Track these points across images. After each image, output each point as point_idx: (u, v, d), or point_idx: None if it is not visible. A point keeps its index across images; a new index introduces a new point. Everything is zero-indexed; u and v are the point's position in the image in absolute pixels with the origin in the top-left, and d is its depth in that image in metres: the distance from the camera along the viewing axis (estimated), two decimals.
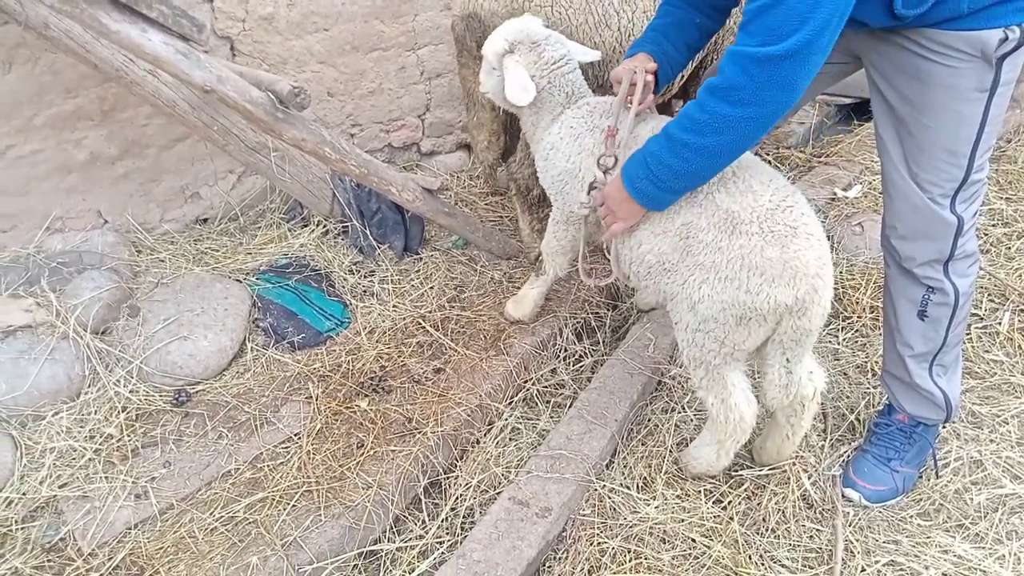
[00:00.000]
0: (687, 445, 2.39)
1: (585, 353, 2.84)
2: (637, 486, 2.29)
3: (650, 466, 2.36)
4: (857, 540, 2.11)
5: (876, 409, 2.51)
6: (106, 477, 2.17)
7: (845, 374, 2.71)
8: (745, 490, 2.28)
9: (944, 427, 2.43)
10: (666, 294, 2.02)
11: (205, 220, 3.33)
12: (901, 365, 2.20)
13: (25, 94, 2.74)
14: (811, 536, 2.16)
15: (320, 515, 2.09)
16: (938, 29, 1.73)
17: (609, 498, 2.24)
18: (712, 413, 2.10)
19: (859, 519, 2.20)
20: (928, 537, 2.13)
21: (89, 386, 2.41)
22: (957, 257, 1.99)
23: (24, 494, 2.12)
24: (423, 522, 2.23)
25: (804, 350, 1.97)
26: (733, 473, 2.33)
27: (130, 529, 2.06)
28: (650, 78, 2.11)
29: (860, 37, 1.92)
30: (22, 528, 2.06)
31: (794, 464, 2.32)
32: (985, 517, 2.17)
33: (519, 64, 2.20)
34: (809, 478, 2.29)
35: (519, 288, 2.99)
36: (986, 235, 3.34)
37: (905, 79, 1.84)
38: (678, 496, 2.26)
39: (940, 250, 1.98)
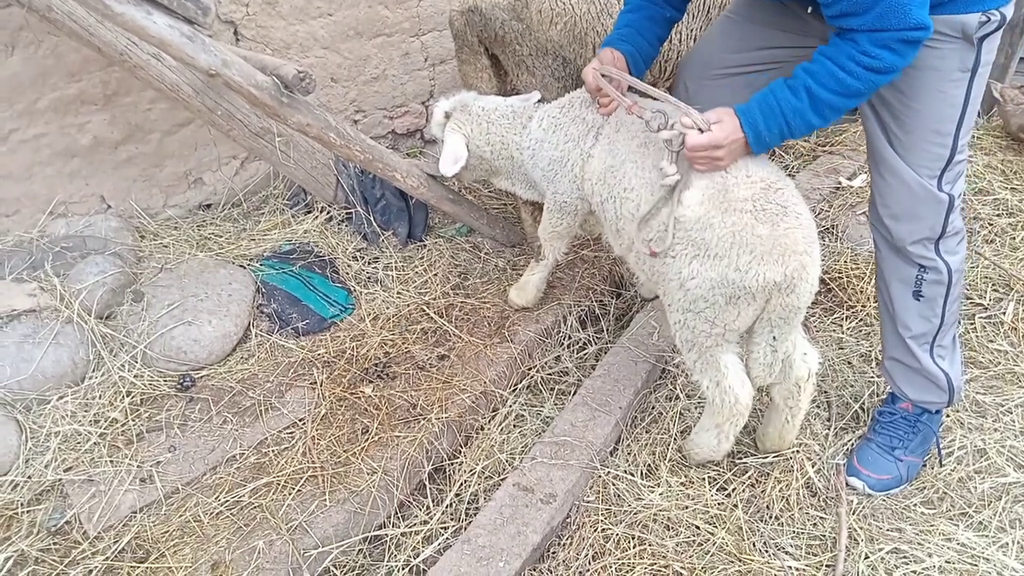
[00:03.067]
0: (691, 433, 2.40)
1: (589, 341, 2.84)
2: (641, 473, 2.30)
3: (654, 453, 2.36)
4: (861, 528, 2.12)
5: (880, 398, 2.52)
6: (111, 461, 2.18)
7: (849, 363, 2.71)
8: (749, 478, 2.28)
9: (947, 415, 2.44)
10: (658, 274, 2.03)
11: (208, 206, 3.33)
12: (902, 348, 2.21)
13: (28, 78, 2.72)
14: (815, 524, 2.16)
15: (325, 500, 2.10)
16: None
17: (613, 485, 2.24)
18: (708, 397, 2.11)
19: (863, 507, 2.20)
20: (932, 525, 2.13)
21: (93, 371, 2.41)
22: (948, 234, 2.03)
23: (30, 477, 2.13)
24: (427, 508, 2.23)
25: (791, 328, 1.98)
26: (737, 461, 2.33)
27: (135, 513, 2.06)
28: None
29: None
30: (28, 511, 2.06)
31: (798, 452, 2.32)
32: (988, 506, 2.17)
33: (456, 131, 2.52)
34: (813, 466, 2.30)
35: (523, 273, 3.00)
36: (991, 225, 3.33)
37: None
38: (682, 483, 2.26)
39: (932, 228, 2.01)
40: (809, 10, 2.00)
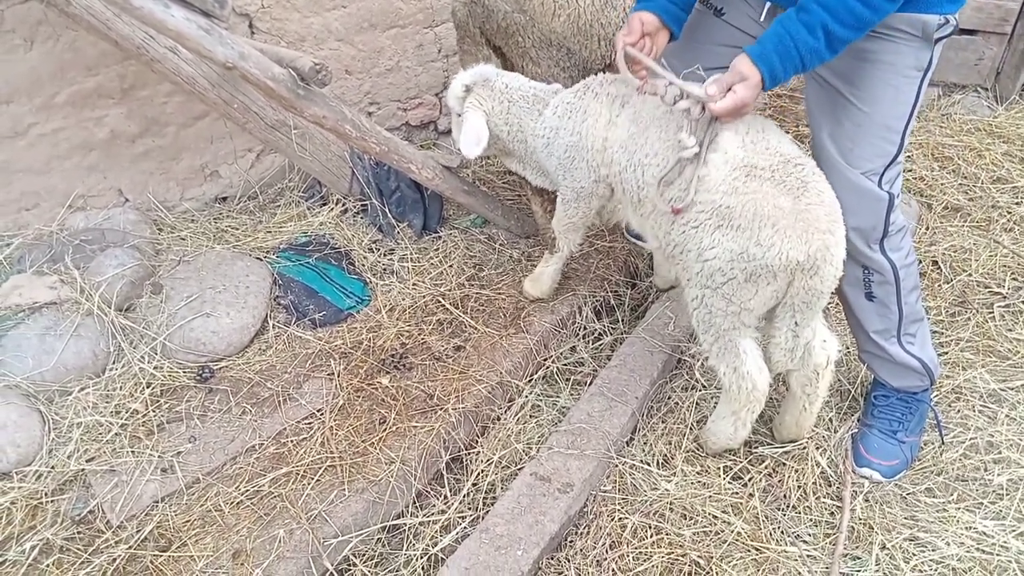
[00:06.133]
0: (707, 422, 2.40)
1: (604, 331, 2.84)
2: (658, 463, 2.30)
3: (670, 443, 2.36)
4: (875, 517, 2.12)
5: (870, 382, 2.50)
6: (132, 452, 2.20)
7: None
8: (765, 467, 2.28)
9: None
10: (678, 246, 2.00)
11: (224, 199, 3.34)
12: (871, 343, 2.25)
13: (46, 72, 2.74)
14: (832, 512, 2.17)
15: (344, 489, 2.12)
16: None
17: (630, 474, 2.25)
18: (724, 383, 2.10)
19: (873, 495, 2.21)
20: (946, 513, 2.13)
21: (114, 362, 2.44)
22: (890, 233, 2.04)
23: (53, 468, 2.16)
24: (445, 497, 2.25)
25: (814, 313, 1.97)
26: (752, 450, 2.33)
27: (157, 502, 2.09)
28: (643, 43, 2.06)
29: None
30: (52, 501, 2.09)
31: (811, 439, 2.33)
32: (1006, 495, 2.17)
33: (477, 108, 2.41)
34: (824, 454, 2.30)
35: (538, 264, 3.00)
36: (1009, 213, 3.30)
37: (849, 60, 1.89)
38: (698, 473, 2.27)
39: (874, 227, 2.03)
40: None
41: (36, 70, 2.72)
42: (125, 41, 2.56)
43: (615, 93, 2.21)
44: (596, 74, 2.37)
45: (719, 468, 2.28)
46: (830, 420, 2.43)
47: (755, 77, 1.74)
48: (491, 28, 2.60)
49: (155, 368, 2.43)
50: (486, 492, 2.25)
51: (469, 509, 2.21)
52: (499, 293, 2.88)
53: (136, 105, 2.98)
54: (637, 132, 2.08)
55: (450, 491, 2.26)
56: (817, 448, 2.31)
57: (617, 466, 2.27)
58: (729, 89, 1.76)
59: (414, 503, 2.22)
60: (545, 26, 2.53)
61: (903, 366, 2.23)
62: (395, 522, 2.16)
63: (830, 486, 2.24)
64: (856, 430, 2.38)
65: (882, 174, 1.98)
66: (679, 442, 2.36)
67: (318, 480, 2.14)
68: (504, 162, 2.74)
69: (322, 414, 2.35)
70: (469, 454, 2.38)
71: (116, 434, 2.24)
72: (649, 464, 2.29)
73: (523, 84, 2.45)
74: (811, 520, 2.14)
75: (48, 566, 1.92)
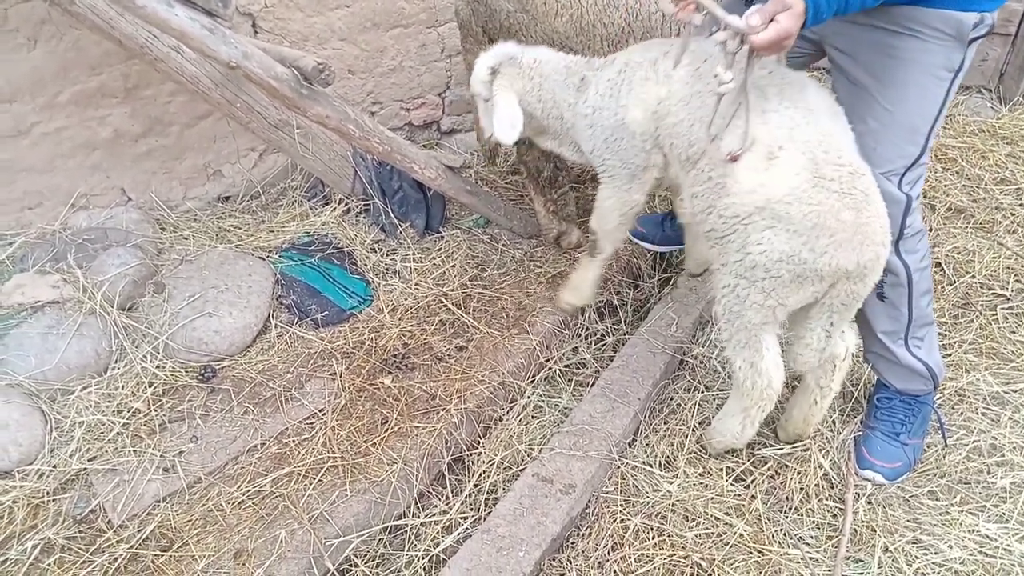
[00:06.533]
0: (709, 424, 2.40)
1: (607, 332, 2.84)
2: (660, 464, 2.30)
3: (673, 444, 2.36)
4: (878, 520, 2.11)
5: (873, 384, 2.50)
6: (134, 451, 2.20)
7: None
8: (768, 469, 2.28)
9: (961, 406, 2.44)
10: (718, 232, 1.89)
11: (227, 198, 3.34)
12: (878, 344, 2.24)
13: (50, 71, 2.75)
14: (834, 515, 2.16)
15: (346, 490, 2.11)
16: (919, 7, 1.77)
17: (632, 476, 2.25)
18: (739, 378, 2.06)
19: (876, 497, 2.20)
20: (948, 516, 2.12)
21: (116, 361, 2.44)
22: (906, 235, 2.02)
23: (55, 467, 2.16)
24: (447, 498, 2.25)
25: (850, 315, 1.94)
26: (755, 452, 2.33)
27: (159, 502, 2.09)
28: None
29: (831, 22, 1.82)
30: (54, 500, 2.09)
31: (813, 440, 2.32)
32: (1009, 498, 2.16)
33: (507, 89, 2.27)
34: (826, 456, 2.29)
35: (542, 267, 3.00)
36: (1013, 215, 3.29)
37: (874, 56, 1.86)
38: (700, 474, 2.26)
39: (891, 229, 1.98)
40: None
41: (39, 69, 2.73)
42: (129, 40, 2.56)
43: (655, 55, 2.07)
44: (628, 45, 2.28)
45: (721, 470, 2.27)
46: (833, 422, 2.42)
47: (799, 6, 1.62)
48: (494, 27, 2.60)
49: (157, 367, 2.43)
50: (488, 493, 2.25)
51: (471, 510, 2.21)
52: (501, 293, 2.88)
53: (139, 104, 2.99)
54: (701, 90, 1.92)
55: (452, 492, 2.26)
56: (820, 450, 2.30)
57: (619, 467, 2.27)
58: (771, 20, 1.61)
59: (416, 503, 2.21)
60: (547, 26, 2.53)
61: (908, 369, 2.22)
62: (397, 523, 2.16)
63: (832, 488, 2.24)
64: (859, 432, 2.37)
65: (903, 175, 1.95)
66: (681, 443, 2.36)
67: (320, 480, 2.14)
68: (538, 142, 2.59)
69: (324, 414, 2.35)
70: (471, 455, 2.38)
71: (118, 433, 2.24)
72: (651, 465, 2.28)
73: (552, 57, 2.33)
74: (813, 522, 2.13)
75: (49, 565, 1.92)
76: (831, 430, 2.40)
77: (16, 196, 2.84)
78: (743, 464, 2.29)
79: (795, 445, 2.33)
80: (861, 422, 2.40)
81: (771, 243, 1.78)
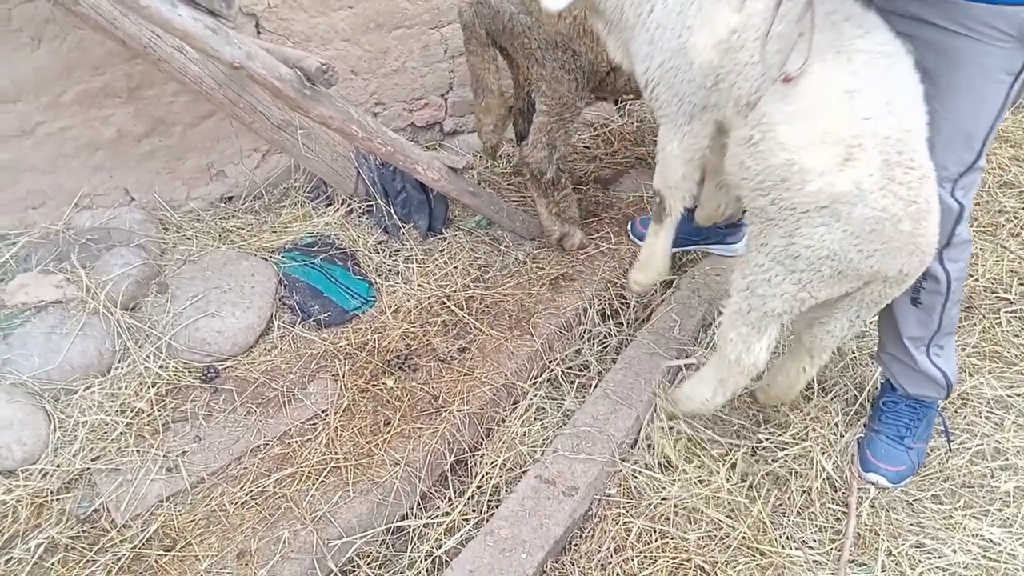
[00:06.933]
0: (713, 423, 2.40)
1: (610, 334, 2.84)
2: (662, 466, 2.30)
3: (675, 446, 2.36)
4: (881, 523, 2.11)
5: (879, 385, 2.50)
6: (138, 451, 2.20)
7: (872, 355, 2.68)
8: (770, 471, 2.28)
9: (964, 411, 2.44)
10: (767, 215, 1.77)
11: (230, 198, 3.35)
12: (899, 347, 2.20)
13: (53, 71, 2.75)
14: (837, 518, 2.16)
15: (348, 491, 2.12)
16: (979, 3, 1.66)
17: (634, 478, 2.24)
18: (726, 349, 2.00)
19: (879, 500, 2.20)
20: (952, 520, 2.12)
21: (119, 361, 2.44)
22: (953, 244, 1.96)
23: (58, 466, 2.16)
24: (449, 499, 2.25)
25: (876, 311, 1.90)
26: (758, 451, 2.33)
27: (162, 502, 2.09)
28: None
29: (885, 18, 1.80)
30: (58, 499, 2.09)
31: (816, 443, 2.32)
32: (1013, 503, 2.16)
33: None
34: (829, 459, 2.29)
35: (544, 268, 3.00)
36: (1016, 218, 3.29)
37: (931, 56, 1.75)
38: (702, 476, 2.26)
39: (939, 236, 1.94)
40: None
41: (43, 69, 2.73)
42: (132, 40, 2.56)
43: None
44: None
45: (724, 471, 2.27)
46: (835, 425, 2.42)
47: None
48: (497, 29, 2.60)
49: (160, 367, 2.43)
50: (491, 495, 2.25)
51: (473, 512, 2.21)
52: (504, 295, 2.88)
53: (143, 104, 2.99)
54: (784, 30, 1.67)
55: (454, 493, 2.26)
56: (823, 453, 2.30)
57: (621, 470, 2.27)
58: None
59: (418, 505, 2.21)
60: (550, 28, 2.53)
61: (924, 375, 2.19)
62: (399, 524, 2.16)
63: (836, 491, 2.24)
64: (862, 435, 2.37)
65: (956, 181, 1.87)
66: (684, 445, 2.36)
67: (322, 481, 2.14)
68: (591, 20, 2.32)
69: (327, 415, 2.35)
70: (473, 456, 2.38)
71: (121, 433, 2.24)
72: (653, 467, 2.28)
73: None
74: (816, 526, 2.13)
75: (53, 564, 1.92)
76: (834, 433, 2.40)
77: (20, 196, 2.84)
78: (748, 467, 2.29)
79: (796, 444, 2.33)
80: (865, 425, 2.40)
81: (822, 240, 1.69)
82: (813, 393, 2.53)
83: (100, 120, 2.92)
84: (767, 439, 2.36)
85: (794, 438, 2.38)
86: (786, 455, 2.31)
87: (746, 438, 2.39)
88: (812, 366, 2.13)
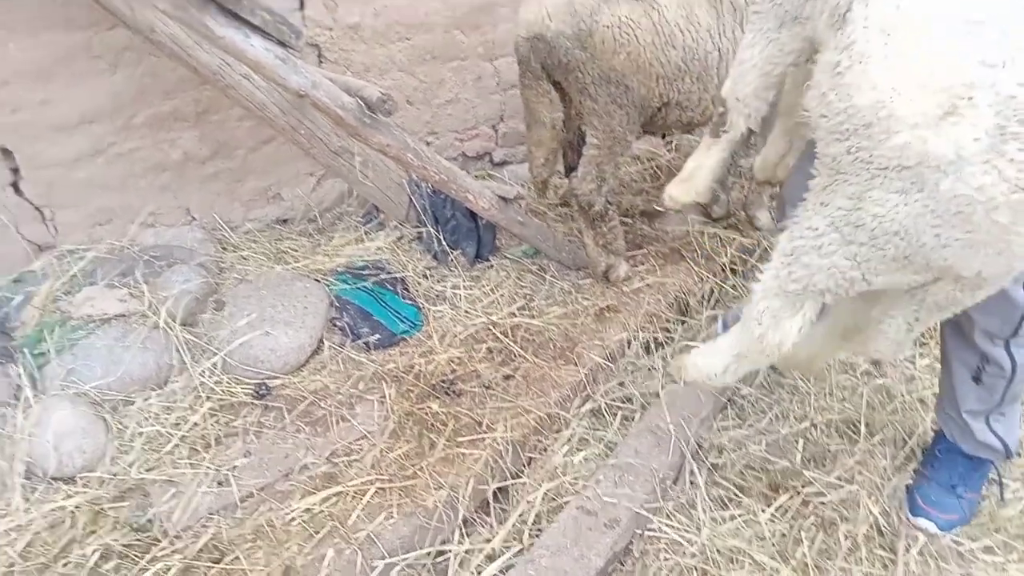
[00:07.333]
0: (755, 466, 2.38)
1: (653, 367, 2.84)
2: (704, 504, 2.28)
3: (718, 484, 2.34)
4: (930, 572, 2.07)
5: (934, 429, 2.45)
6: (190, 463, 2.26)
7: (922, 400, 2.64)
8: (816, 513, 2.24)
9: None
10: (837, 164, 1.45)
11: (285, 220, 3.45)
12: (956, 412, 2.14)
13: (127, 95, 2.88)
14: (884, 565, 2.12)
15: (392, 512, 2.14)
16: None
17: (677, 514, 2.23)
18: (749, 324, 1.73)
19: (928, 548, 2.15)
20: (1005, 573, 2.07)
21: (176, 375, 2.52)
22: (1021, 334, 1.89)
23: (115, 475, 2.23)
24: (491, 526, 2.26)
25: (941, 317, 1.63)
26: (801, 491, 2.30)
27: (212, 515, 2.14)
28: None
29: None
30: (113, 507, 2.16)
31: (862, 486, 2.28)
32: None
33: None
34: (876, 503, 2.25)
35: (589, 299, 3.02)
36: None
37: None
38: (745, 518, 2.24)
39: (1001, 328, 1.89)
40: None
41: (118, 93, 2.87)
42: (203, 68, 2.69)
43: None
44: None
45: (767, 511, 2.25)
46: (884, 469, 2.38)
47: None
48: (552, 64, 2.66)
49: (215, 383, 2.50)
50: (532, 523, 2.25)
51: (515, 539, 2.21)
52: (549, 324, 2.90)
53: (208, 128, 3.11)
54: None
55: (496, 520, 2.27)
56: (870, 496, 2.27)
57: (663, 506, 2.26)
58: None
59: (461, 530, 2.23)
60: (605, 63, 2.58)
61: (982, 443, 2.14)
62: (441, 548, 2.17)
63: (882, 536, 2.20)
64: (911, 481, 2.32)
65: None
66: (728, 484, 2.34)
67: (368, 502, 2.17)
68: None
69: (373, 436, 2.39)
70: (515, 484, 2.39)
71: (176, 445, 2.31)
72: (696, 505, 2.27)
73: None
74: (863, 572, 2.09)
75: (108, 571, 1.98)
76: (882, 477, 2.36)
77: (89, 212, 2.97)
78: (791, 508, 2.26)
79: (840, 487, 2.29)
80: (915, 470, 2.35)
81: (895, 211, 1.36)
82: (859, 435, 2.50)
83: (168, 142, 3.04)
84: (813, 479, 2.33)
85: (840, 480, 2.34)
86: (832, 499, 2.28)
87: (791, 478, 2.36)
88: (843, 349, 1.89)
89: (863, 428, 2.50)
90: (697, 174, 2.14)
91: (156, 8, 2.28)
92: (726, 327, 2.61)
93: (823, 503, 2.28)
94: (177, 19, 2.25)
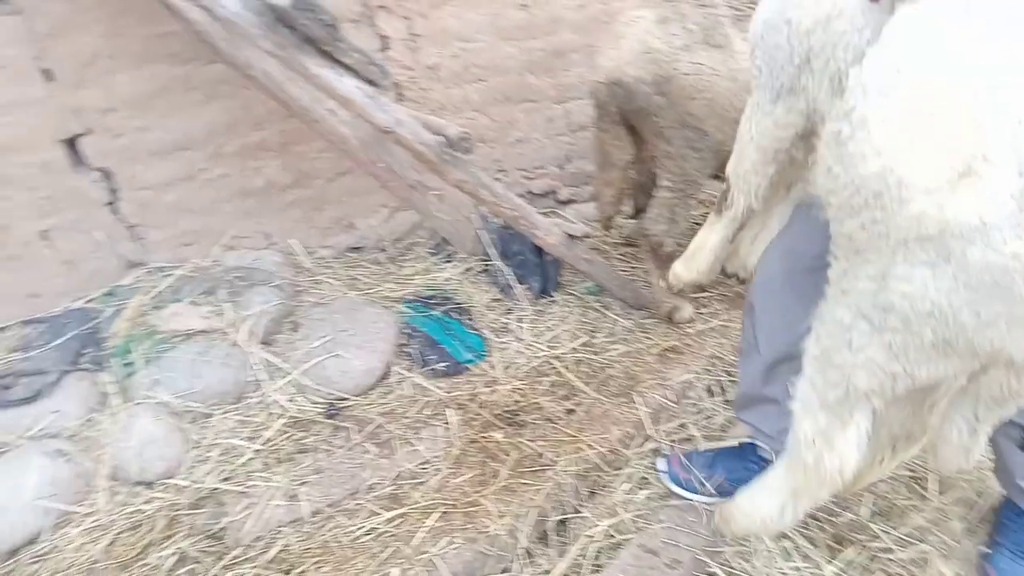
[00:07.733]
0: (819, 516, 2.34)
1: (715, 411, 2.83)
2: (769, 551, 2.25)
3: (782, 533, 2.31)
4: None
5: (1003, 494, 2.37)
6: (263, 477, 2.35)
7: (993, 460, 2.57)
8: (882, 569, 2.19)
9: None
10: (852, 242, 1.30)
11: (358, 248, 3.57)
12: (1011, 480, 2.08)
13: (220, 125, 3.06)
14: None
15: (455, 537, 2.18)
16: None
17: (740, 559, 2.21)
18: (797, 450, 1.54)
19: None
20: None
21: (253, 391, 2.62)
22: None
23: (192, 483, 2.32)
24: (550, 557, 2.27)
25: (1004, 412, 1.43)
26: (867, 546, 2.25)
27: (282, 527, 2.21)
28: None
29: None
30: (188, 514, 2.24)
31: (934, 548, 2.22)
32: None
33: None
34: (948, 566, 2.18)
35: (652, 339, 3.04)
36: None
37: None
38: (811, 569, 2.20)
39: None
40: None
41: (211, 123, 3.04)
42: (294, 102, 2.84)
43: None
44: None
45: (835, 565, 2.20)
46: (955, 530, 2.31)
47: None
48: (629, 109, 2.73)
49: (289, 400, 2.60)
50: (592, 559, 2.26)
51: (574, 573, 2.22)
52: (611, 361, 2.93)
53: (291, 159, 3.27)
54: None
55: (556, 552, 2.28)
56: (942, 557, 2.20)
57: (724, 550, 2.24)
58: None
59: (521, 559, 2.25)
60: (682, 108, 2.64)
61: None
62: (502, 575, 2.20)
63: None
64: (984, 544, 2.26)
65: None
66: (791, 532, 2.30)
67: (432, 526, 2.21)
68: None
69: (438, 461, 2.44)
70: (575, 518, 2.40)
71: (250, 458, 2.40)
72: (760, 551, 2.24)
73: None
74: None
75: (182, 575, 2.05)
76: (953, 537, 2.29)
77: (177, 233, 3.14)
78: (857, 562, 2.22)
79: (909, 545, 2.24)
80: (988, 534, 2.28)
81: (924, 286, 1.21)
82: (927, 491, 2.44)
83: (253, 170, 3.21)
84: (881, 534, 2.28)
85: (909, 537, 2.29)
86: (902, 557, 2.23)
87: (857, 531, 2.31)
88: (892, 459, 1.70)
89: (930, 485, 2.44)
90: (699, 254, 2.09)
91: (257, 47, 2.43)
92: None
93: (891, 559, 2.22)
94: (279, 59, 2.40)
